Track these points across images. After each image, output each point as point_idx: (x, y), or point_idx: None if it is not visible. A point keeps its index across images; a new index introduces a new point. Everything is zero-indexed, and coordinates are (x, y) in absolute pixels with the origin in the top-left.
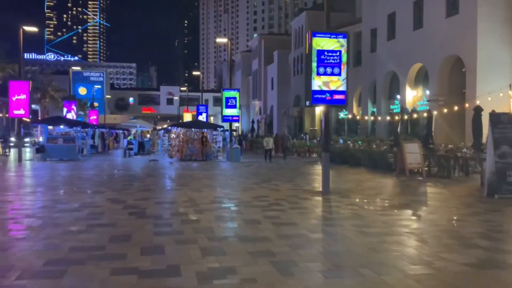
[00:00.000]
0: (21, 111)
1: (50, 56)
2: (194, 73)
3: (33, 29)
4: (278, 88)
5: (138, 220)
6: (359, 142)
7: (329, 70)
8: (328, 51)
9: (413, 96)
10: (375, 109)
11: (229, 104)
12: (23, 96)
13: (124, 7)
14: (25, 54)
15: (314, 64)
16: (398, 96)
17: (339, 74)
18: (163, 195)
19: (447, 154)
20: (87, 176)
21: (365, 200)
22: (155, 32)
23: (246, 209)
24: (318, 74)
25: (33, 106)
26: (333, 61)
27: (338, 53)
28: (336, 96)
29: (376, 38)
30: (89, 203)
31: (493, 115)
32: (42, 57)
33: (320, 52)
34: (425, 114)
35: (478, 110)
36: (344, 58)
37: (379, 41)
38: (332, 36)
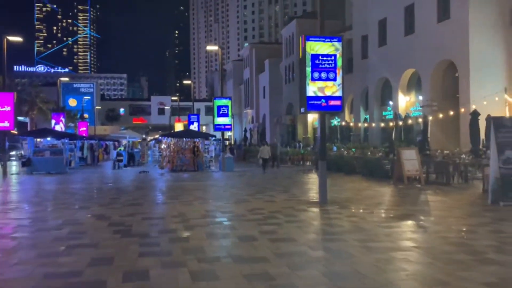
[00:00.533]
0: (6, 124)
1: (40, 68)
2: (185, 82)
3: (17, 39)
4: (270, 97)
5: (123, 239)
6: (353, 150)
7: (324, 75)
8: (323, 56)
9: (406, 102)
10: (367, 116)
11: (221, 112)
12: (7, 108)
13: (114, 19)
14: (15, 66)
15: (309, 69)
16: (391, 102)
17: (335, 79)
18: (151, 210)
19: (445, 160)
20: (73, 190)
21: (365, 211)
22: (146, 42)
23: (240, 224)
24: (313, 79)
25: (22, 118)
26: (328, 66)
27: (333, 57)
28: (332, 102)
29: (368, 45)
30: (71, 220)
31: (496, 119)
32: (32, 70)
33: (315, 57)
34: (419, 120)
35: (475, 114)
36: (339, 63)
37: (370, 47)
38: (326, 40)
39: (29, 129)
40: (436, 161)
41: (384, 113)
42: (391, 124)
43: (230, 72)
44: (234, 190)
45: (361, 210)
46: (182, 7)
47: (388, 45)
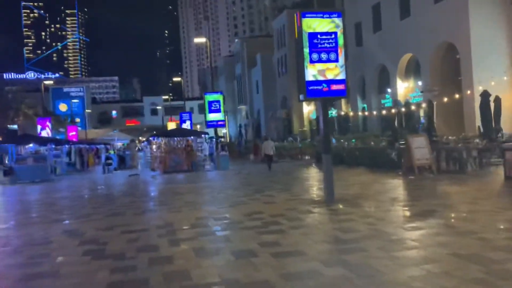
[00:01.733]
0: None
1: (30, 75)
2: (175, 79)
3: None
4: (264, 91)
5: (92, 262)
6: (353, 140)
7: (324, 56)
8: (322, 34)
9: (404, 88)
10: (365, 105)
11: (212, 108)
12: None
13: (103, 21)
14: (5, 74)
15: (306, 50)
16: (389, 90)
17: (336, 60)
18: (134, 221)
19: (458, 147)
20: (51, 200)
21: (380, 209)
22: (136, 44)
23: (236, 234)
24: (312, 61)
25: (15, 126)
26: (328, 45)
27: (333, 35)
28: (335, 87)
29: (362, 32)
30: (37, 239)
31: None
32: (22, 77)
33: (312, 36)
34: (423, 105)
35: (485, 95)
36: (340, 41)
37: (364, 34)
38: (325, 16)
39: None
40: (446, 147)
41: (382, 101)
42: (393, 111)
43: (221, 69)
44: (229, 191)
45: (375, 208)
46: (170, 6)
47: (383, 30)
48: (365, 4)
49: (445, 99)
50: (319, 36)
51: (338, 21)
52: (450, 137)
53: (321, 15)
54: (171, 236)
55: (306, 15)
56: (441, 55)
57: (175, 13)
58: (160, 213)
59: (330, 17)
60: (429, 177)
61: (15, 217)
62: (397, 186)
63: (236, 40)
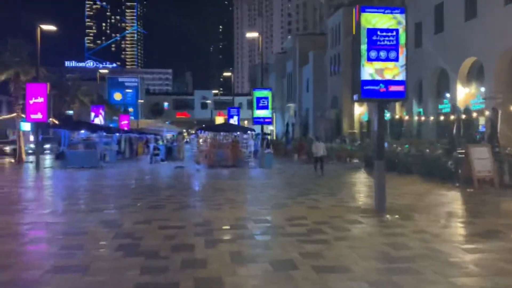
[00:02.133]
0: (39, 115)
1: (90, 64)
2: (225, 74)
3: (51, 28)
4: (314, 90)
5: (123, 260)
6: (406, 146)
7: (383, 54)
8: (382, 30)
9: (465, 94)
10: (421, 110)
11: (260, 104)
12: (40, 100)
13: (161, 15)
14: (66, 62)
15: (364, 47)
16: (448, 95)
17: (396, 60)
18: (173, 216)
19: None
20: (97, 187)
21: (435, 224)
22: (191, 38)
23: (276, 240)
24: (369, 59)
25: (71, 112)
26: (388, 43)
27: (394, 33)
28: (393, 88)
29: (422, 33)
30: (73, 228)
31: None
32: (82, 65)
33: (372, 32)
34: (486, 113)
35: None
36: (402, 39)
37: (425, 35)
38: (386, 11)
39: None
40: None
41: (440, 106)
42: (452, 117)
43: (272, 66)
44: (272, 191)
45: (430, 223)
46: (226, 2)
47: (446, 31)
48: (427, 3)
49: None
50: (378, 32)
51: (400, 17)
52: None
53: (382, 10)
54: (208, 236)
55: (366, 10)
56: (509, 61)
57: (230, 8)
58: (199, 209)
59: (392, 13)
60: (490, 191)
61: (57, 203)
62: (454, 199)
63: (289, 36)
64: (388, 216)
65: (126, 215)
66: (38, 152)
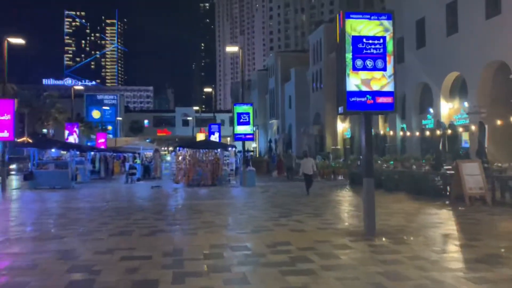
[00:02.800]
0: (5, 134)
1: (68, 81)
2: (206, 89)
3: (19, 41)
4: (297, 106)
5: None
6: (391, 162)
7: (369, 63)
8: (368, 38)
9: (449, 108)
10: (404, 125)
11: (241, 120)
12: (7, 117)
13: (142, 32)
14: (44, 80)
15: (349, 56)
16: (431, 110)
17: (384, 69)
18: (140, 243)
19: None
20: (63, 210)
21: (432, 248)
22: (172, 55)
23: (255, 273)
24: (355, 68)
25: (45, 131)
26: (375, 51)
27: (381, 40)
28: (381, 99)
29: (404, 48)
30: (23, 260)
31: None
32: (60, 83)
33: (357, 39)
34: (472, 127)
35: None
36: (389, 47)
37: (407, 50)
38: (372, 17)
39: None
40: (504, 176)
41: (423, 122)
42: (438, 132)
43: (255, 83)
44: (253, 212)
45: (426, 247)
46: (208, 20)
47: (427, 46)
48: (408, 18)
49: (498, 122)
50: (364, 40)
51: (387, 24)
52: (500, 164)
53: (368, 16)
54: (176, 268)
55: (351, 16)
56: (491, 75)
57: (212, 26)
58: (170, 235)
59: (378, 19)
60: (483, 209)
61: (12, 230)
62: (447, 218)
63: (271, 54)
64: (382, 240)
65: (87, 243)
66: (4, 172)
